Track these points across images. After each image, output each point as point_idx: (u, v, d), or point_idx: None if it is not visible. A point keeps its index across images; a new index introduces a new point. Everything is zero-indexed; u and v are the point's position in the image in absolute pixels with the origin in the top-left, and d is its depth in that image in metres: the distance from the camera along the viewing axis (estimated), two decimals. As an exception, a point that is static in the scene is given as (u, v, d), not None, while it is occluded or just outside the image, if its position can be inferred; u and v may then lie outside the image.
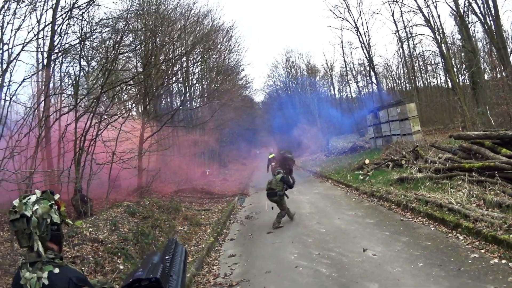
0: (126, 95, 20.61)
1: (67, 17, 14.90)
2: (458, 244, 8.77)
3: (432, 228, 10.41)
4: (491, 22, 32.40)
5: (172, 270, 2.32)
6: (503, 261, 7.24)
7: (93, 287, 3.09)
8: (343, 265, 8.86)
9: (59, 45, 14.83)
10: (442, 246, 8.85)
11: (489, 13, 32.47)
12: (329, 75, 69.71)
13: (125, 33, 17.82)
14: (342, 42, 64.61)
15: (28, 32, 15.06)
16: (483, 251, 7.99)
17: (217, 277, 9.58)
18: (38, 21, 15.08)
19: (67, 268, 3.00)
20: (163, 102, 29.38)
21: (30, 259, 2.90)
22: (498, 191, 10.66)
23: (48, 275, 2.83)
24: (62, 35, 14.56)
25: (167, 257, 2.48)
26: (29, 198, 2.98)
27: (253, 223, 16.03)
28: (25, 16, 14.68)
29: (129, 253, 9.93)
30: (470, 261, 7.59)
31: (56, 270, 2.88)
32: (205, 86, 35.94)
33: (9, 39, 14.32)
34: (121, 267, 9.14)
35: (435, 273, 7.34)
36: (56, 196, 3.14)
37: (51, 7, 15.30)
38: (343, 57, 62.47)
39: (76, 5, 15.02)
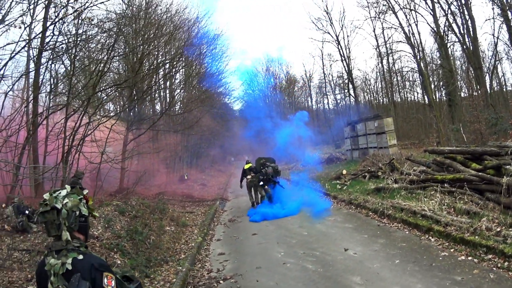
0: (105, 96, 20.70)
1: (61, 15, 14.76)
2: (430, 245, 9.83)
3: (407, 232, 11.42)
4: (470, 43, 33.52)
5: None
6: (469, 258, 8.37)
7: (114, 273, 3.27)
8: (327, 262, 9.71)
9: (51, 43, 14.56)
10: (415, 246, 9.90)
11: (468, 34, 33.62)
12: (307, 86, 70.20)
13: (118, 38, 17.99)
14: (322, 54, 64.97)
15: (24, 28, 14.76)
16: (452, 250, 9.10)
17: (210, 272, 10.21)
18: (32, 17, 15.05)
19: (90, 256, 3.25)
20: (144, 106, 29.34)
21: (56, 247, 3.16)
22: (466, 200, 11.79)
23: (72, 261, 3.10)
24: (55, 34, 14.14)
25: None
26: (60, 192, 3.25)
27: (237, 225, 16.55)
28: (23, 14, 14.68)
29: (125, 249, 10.44)
30: (440, 258, 8.68)
31: (80, 257, 3.15)
32: (186, 93, 35.92)
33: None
34: (118, 261, 9.56)
35: (410, 268, 8.38)
36: (85, 191, 3.43)
37: (44, 3, 14.96)
38: (323, 69, 62.74)
39: (70, 3, 14.86)
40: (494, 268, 7.68)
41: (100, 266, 3.15)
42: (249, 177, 21.17)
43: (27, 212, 10.53)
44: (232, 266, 10.58)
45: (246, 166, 21.73)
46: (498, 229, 8.97)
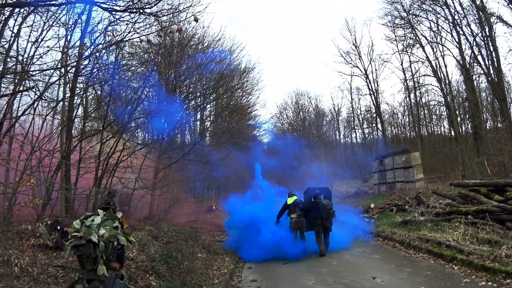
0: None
1: (97, 43, 15.07)
2: (454, 273, 10.37)
3: (432, 262, 11.95)
4: (494, 74, 33.79)
5: None
6: (489, 283, 8.93)
7: None
8: (356, 289, 10.22)
9: (87, 71, 14.61)
10: (440, 274, 10.42)
11: (492, 65, 33.88)
12: (335, 120, 70.40)
13: (153, 69, 18.35)
14: (351, 88, 64.41)
15: (62, 55, 15.04)
16: (473, 277, 9.64)
17: None
18: (68, 42, 15.32)
19: None
20: (174, 136, 29.52)
21: (88, 276, 2.87)
22: (488, 230, 12.34)
23: None
24: (91, 60, 13.45)
25: None
26: (93, 220, 2.91)
27: (268, 255, 16.90)
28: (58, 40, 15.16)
29: (160, 272, 10.86)
30: (463, 284, 9.24)
31: None
32: (216, 125, 36.23)
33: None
34: (153, 283, 9.99)
35: (434, 294, 8.87)
36: (119, 214, 3.12)
37: (80, 29, 15.36)
38: (351, 102, 62.37)
39: (107, 31, 14.95)
40: (512, 292, 8.19)
41: None
42: (293, 216, 16.43)
43: (58, 227, 10.72)
44: (265, 292, 10.92)
45: (290, 200, 16.84)
46: (517, 256, 9.51)
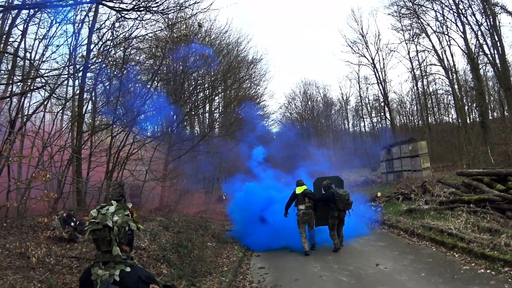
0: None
1: (105, 39, 15.36)
2: (454, 260, 10.70)
3: (434, 249, 12.28)
4: (500, 64, 33.85)
5: None
6: (488, 271, 9.25)
7: (159, 285, 3.35)
8: (360, 275, 10.51)
9: (95, 67, 14.74)
10: (441, 262, 10.75)
11: (498, 54, 33.93)
12: (344, 109, 70.35)
13: (162, 63, 18.40)
14: (358, 77, 64.12)
15: (71, 51, 15.30)
16: (473, 264, 9.98)
17: (252, 283, 10.96)
18: (76, 40, 15.72)
19: (137, 268, 3.39)
20: (182, 128, 29.40)
21: (103, 259, 3.28)
22: (489, 219, 12.67)
23: (120, 273, 3.23)
24: (99, 57, 13.94)
25: None
26: (108, 209, 3.35)
27: (275, 244, 17.11)
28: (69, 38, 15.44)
29: (171, 260, 11.20)
30: (462, 271, 9.54)
31: (128, 269, 3.27)
32: (225, 116, 36.29)
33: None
34: (165, 271, 10.28)
35: (434, 280, 9.23)
36: (130, 205, 3.52)
37: (88, 26, 15.79)
38: (359, 92, 62.22)
39: (115, 27, 15.42)
40: (510, 280, 8.52)
41: (147, 279, 3.31)
42: (302, 207, 14.46)
43: (72, 223, 11.00)
44: (272, 278, 11.31)
45: (299, 190, 14.77)
46: (516, 244, 9.80)
